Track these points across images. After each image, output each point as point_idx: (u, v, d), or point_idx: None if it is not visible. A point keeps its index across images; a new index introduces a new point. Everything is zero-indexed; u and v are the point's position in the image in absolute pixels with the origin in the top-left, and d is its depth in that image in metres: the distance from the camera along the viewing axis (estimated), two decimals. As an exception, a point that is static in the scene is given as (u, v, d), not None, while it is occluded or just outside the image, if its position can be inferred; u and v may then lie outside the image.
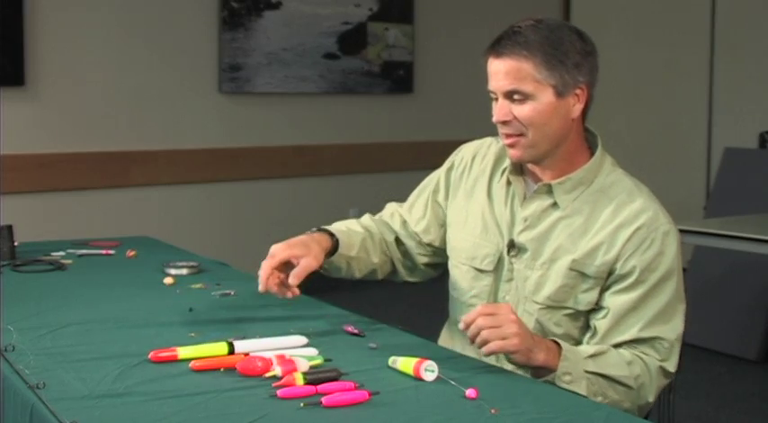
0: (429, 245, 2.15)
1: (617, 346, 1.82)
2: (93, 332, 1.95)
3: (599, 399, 1.76)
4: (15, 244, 2.79)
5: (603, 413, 1.52)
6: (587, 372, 1.76)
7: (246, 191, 5.65)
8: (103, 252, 2.90)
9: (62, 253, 2.84)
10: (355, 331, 1.96)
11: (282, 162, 5.76)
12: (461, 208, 2.07)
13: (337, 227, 2.12)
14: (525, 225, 1.93)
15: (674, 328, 1.84)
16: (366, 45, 6.06)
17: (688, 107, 6.47)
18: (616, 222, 1.85)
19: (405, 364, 1.67)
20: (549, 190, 1.91)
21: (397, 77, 6.23)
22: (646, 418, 1.98)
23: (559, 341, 1.77)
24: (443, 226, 2.12)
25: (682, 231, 3.80)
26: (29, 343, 1.85)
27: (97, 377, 1.63)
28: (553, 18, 1.90)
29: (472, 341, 1.70)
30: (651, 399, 1.84)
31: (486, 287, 1.98)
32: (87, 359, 1.74)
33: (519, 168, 1.97)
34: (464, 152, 2.13)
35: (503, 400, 1.54)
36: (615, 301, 1.84)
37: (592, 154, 1.94)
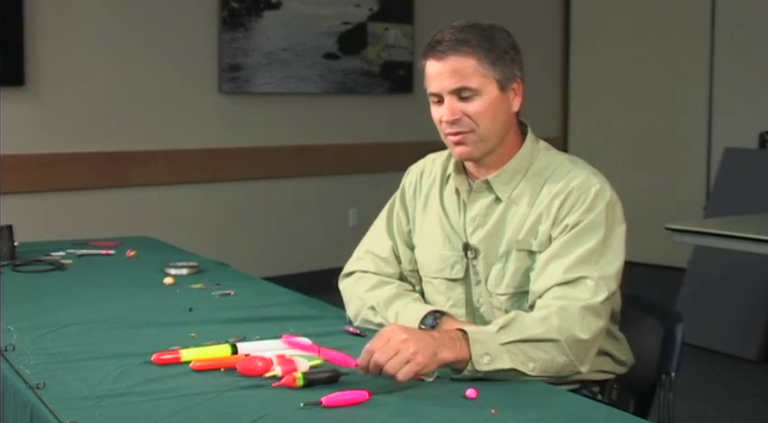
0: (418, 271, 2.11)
1: (543, 294, 1.80)
2: (93, 332, 1.95)
3: (530, 365, 1.67)
4: (15, 244, 2.79)
5: (603, 413, 1.52)
6: (503, 344, 1.67)
7: (246, 191, 5.65)
8: (103, 252, 2.90)
9: (62, 253, 2.84)
10: (355, 331, 1.96)
11: (282, 162, 5.76)
12: (420, 226, 2.08)
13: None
14: (475, 225, 1.95)
15: (599, 269, 1.79)
16: (366, 45, 6.06)
17: (688, 107, 6.47)
18: (552, 194, 1.88)
19: (405, 364, 1.66)
20: (488, 186, 1.94)
21: (397, 77, 6.22)
22: (643, 415, 1.97)
23: (464, 328, 1.69)
24: (413, 249, 2.10)
25: (682, 231, 3.84)
26: (29, 343, 1.85)
27: (97, 377, 1.63)
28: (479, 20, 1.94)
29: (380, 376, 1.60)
30: (585, 336, 1.74)
31: (460, 295, 1.98)
32: (87, 359, 1.74)
33: (462, 168, 1.99)
34: (412, 173, 2.15)
35: (503, 400, 1.54)
36: (541, 255, 1.85)
37: None
